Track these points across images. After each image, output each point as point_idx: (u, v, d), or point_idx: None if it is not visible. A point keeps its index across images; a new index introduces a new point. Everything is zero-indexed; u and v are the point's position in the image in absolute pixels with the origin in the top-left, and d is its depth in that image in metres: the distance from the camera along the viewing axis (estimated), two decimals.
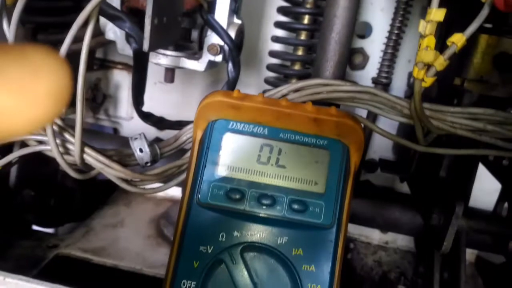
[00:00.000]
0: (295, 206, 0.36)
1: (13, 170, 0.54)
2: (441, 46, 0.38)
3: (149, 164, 0.42)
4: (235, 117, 0.37)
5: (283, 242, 0.35)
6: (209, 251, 0.35)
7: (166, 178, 0.41)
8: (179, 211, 0.37)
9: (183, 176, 0.42)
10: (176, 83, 0.72)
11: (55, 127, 0.35)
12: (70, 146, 0.36)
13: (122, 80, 0.72)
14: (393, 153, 0.65)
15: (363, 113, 0.46)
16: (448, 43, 0.34)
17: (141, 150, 0.41)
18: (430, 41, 0.33)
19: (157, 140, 0.54)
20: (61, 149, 0.36)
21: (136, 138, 0.41)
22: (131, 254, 0.62)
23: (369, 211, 0.57)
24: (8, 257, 0.57)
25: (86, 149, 0.36)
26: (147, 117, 0.51)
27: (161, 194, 0.78)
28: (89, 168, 0.38)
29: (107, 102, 0.72)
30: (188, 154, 0.43)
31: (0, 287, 0.43)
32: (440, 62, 0.33)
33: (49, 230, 0.69)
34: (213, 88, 0.72)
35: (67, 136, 0.36)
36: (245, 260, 0.35)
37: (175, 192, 0.77)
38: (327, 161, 0.37)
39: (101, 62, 0.69)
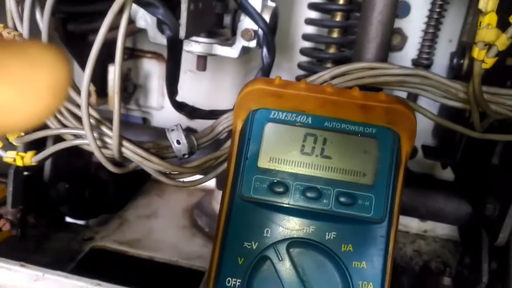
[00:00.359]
0: (343, 199, 0.34)
1: (48, 164, 0.54)
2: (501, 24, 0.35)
3: (186, 156, 0.40)
4: (277, 105, 0.34)
5: (331, 237, 0.33)
6: (254, 247, 0.33)
7: (205, 171, 0.39)
8: (220, 205, 0.35)
9: (221, 168, 0.41)
10: (207, 71, 0.70)
11: (92, 120, 0.34)
12: (107, 140, 0.35)
13: (152, 69, 0.70)
14: (434, 139, 0.62)
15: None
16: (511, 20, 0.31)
17: (178, 142, 0.39)
18: (492, 18, 0.30)
19: (188, 130, 0.52)
20: (98, 142, 0.35)
21: (173, 130, 0.40)
22: (166, 246, 0.61)
23: (410, 200, 0.55)
24: (45, 251, 0.57)
25: (124, 143, 0.35)
26: (181, 107, 0.49)
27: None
28: (127, 161, 0.37)
29: (137, 92, 0.71)
30: (226, 145, 0.41)
31: (39, 283, 0.43)
32: (503, 42, 0.30)
33: (83, 222, 0.69)
34: (245, 76, 0.69)
35: (104, 129, 0.35)
36: (291, 256, 0.33)
37: (207, 183, 0.76)
38: (376, 151, 0.34)
39: (130, 52, 0.68)
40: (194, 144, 0.41)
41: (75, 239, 0.60)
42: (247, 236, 0.34)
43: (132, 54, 0.69)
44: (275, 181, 0.34)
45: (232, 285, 0.33)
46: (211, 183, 0.75)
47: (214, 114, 0.49)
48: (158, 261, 0.59)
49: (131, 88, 0.67)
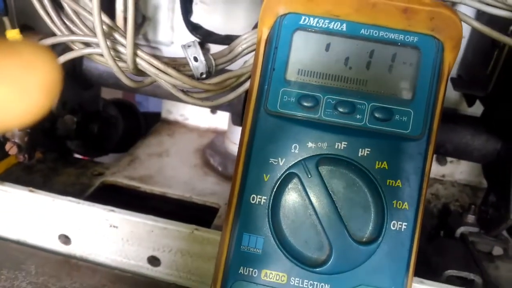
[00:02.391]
0: (379, 114, 0.31)
1: None
2: None
3: (204, 75, 0.37)
4: (308, 10, 0.31)
5: (365, 154, 0.31)
6: (281, 163, 0.31)
7: (225, 89, 0.37)
8: (244, 120, 0.33)
9: (243, 88, 0.38)
10: (218, 3, 0.66)
11: (104, 27, 0.31)
12: (121, 49, 0.32)
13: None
14: (461, 70, 0.58)
15: None
16: None
17: (195, 59, 0.36)
18: None
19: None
20: (111, 52, 0.32)
21: (189, 46, 0.36)
22: (179, 182, 0.59)
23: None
24: (54, 184, 0.55)
25: (139, 52, 0.32)
26: (196, 29, 0.46)
27: (204, 125, 0.74)
28: (142, 75, 0.34)
29: (146, 25, 0.67)
30: (248, 63, 0.38)
31: (49, 209, 0.41)
32: None
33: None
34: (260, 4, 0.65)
35: (117, 36, 0.31)
36: (321, 173, 0.30)
37: (219, 123, 0.74)
38: (417, 62, 0.31)
39: None
40: (212, 64, 0.38)
41: (84, 174, 0.58)
42: (273, 152, 0.31)
43: None
44: (304, 94, 0.31)
45: (256, 202, 0.31)
46: (223, 124, 0.73)
47: (230, 39, 0.46)
48: (171, 197, 0.57)
49: (140, 18, 0.63)
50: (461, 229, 0.50)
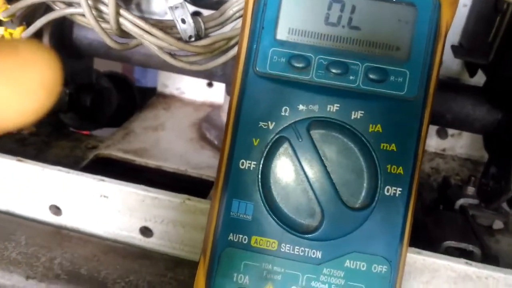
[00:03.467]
0: (373, 75, 0.29)
1: None
2: None
3: (193, 39, 0.36)
4: None
5: (358, 117, 0.29)
6: (270, 127, 0.30)
7: (215, 53, 0.35)
8: (232, 83, 0.31)
9: (233, 51, 0.36)
10: None
11: None
12: (103, 8, 0.30)
13: None
14: (462, 38, 0.56)
15: None
16: None
17: (183, 21, 0.35)
18: None
19: None
20: (94, 12, 0.30)
21: (177, 7, 0.35)
22: (175, 156, 0.58)
23: (437, 106, 0.51)
24: (47, 157, 0.55)
25: (122, 12, 0.31)
26: None
27: (200, 99, 0.73)
28: (128, 36, 0.32)
29: None
30: (239, 25, 0.36)
31: (38, 179, 0.40)
32: None
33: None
34: None
35: None
36: (312, 138, 0.29)
37: (215, 97, 0.72)
38: (412, 20, 0.30)
39: None
40: (201, 27, 0.37)
41: (78, 147, 0.57)
42: (262, 116, 0.30)
43: None
44: (295, 54, 0.30)
45: (246, 167, 0.30)
46: (220, 97, 0.71)
47: (221, 4, 0.44)
48: (167, 170, 0.56)
49: None
50: (461, 201, 0.50)
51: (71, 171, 0.40)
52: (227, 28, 0.38)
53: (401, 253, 0.30)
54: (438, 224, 0.46)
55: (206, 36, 0.37)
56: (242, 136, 0.30)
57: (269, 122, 0.30)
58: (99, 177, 0.40)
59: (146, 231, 0.40)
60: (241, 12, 0.38)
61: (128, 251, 0.40)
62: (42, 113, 0.14)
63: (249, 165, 0.30)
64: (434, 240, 0.44)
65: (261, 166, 0.30)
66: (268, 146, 0.30)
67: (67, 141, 0.58)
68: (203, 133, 0.64)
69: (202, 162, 0.58)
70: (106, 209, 0.40)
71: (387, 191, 0.29)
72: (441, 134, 0.71)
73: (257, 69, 0.30)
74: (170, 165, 0.57)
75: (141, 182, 0.55)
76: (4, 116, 0.13)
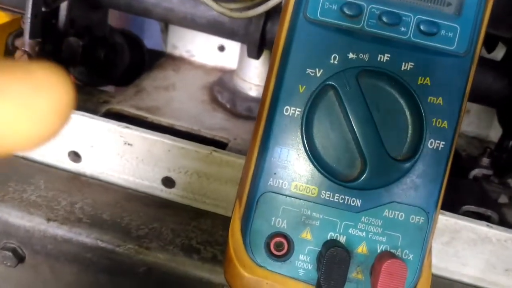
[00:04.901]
0: (424, 28, 0.29)
1: (63, 8, 0.48)
2: None
3: None
4: None
5: (408, 68, 0.29)
6: (318, 74, 0.29)
7: (254, 1, 0.34)
8: (279, 28, 0.31)
9: (273, 1, 0.35)
10: None
11: None
12: None
13: None
14: None
15: None
16: None
17: None
18: None
19: None
20: None
21: None
22: (187, 116, 0.57)
23: None
24: None
25: None
26: None
27: (211, 63, 0.72)
28: None
29: None
30: None
31: None
32: None
33: None
34: None
35: None
36: (360, 87, 0.29)
37: (226, 62, 0.71)
38: None
39: None
40: None
41: (90, 101, 0.56)
42: (311, 62, 0.29)
43: None
44: (347, 2, 0.29)
45: (290, 114, 0.29)
46: (231, 63, 0.70)
47: None
48: (179, 129, 0.55)
49: None
50: (475, 171, 0.50)
51: (96, 116, 0.39)
52: None
53: (438, 206, 0.30)
54: (456, 190, 0.47)
55: None
56: (288, 82, 0.29)
57: (317, 69, 0.29)
58: (124, 124, 0.39)
59: (168, 182, 0.40)
60: None
61: (151, 200, 0.40)
62: (52, 137, 0.14)
63: (293, 111, 0.29)
64: (452, 204, 0.44)
65: (306, 113, 0.29)
66: (315, 93, 0.29)
67: (79, 93, 0.56)
68: (215, 96, 0.63)
69: (215, 123, 0.58)
70: (128, 157, 0.39)
71: (431, 144, 0.29)
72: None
73: (308, 15, 0.29)
74: (182, 124, 0.56)
75: None
76: (13, 139, 0.13)
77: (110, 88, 0.64)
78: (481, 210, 0.42)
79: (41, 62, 0.14)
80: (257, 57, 0.53)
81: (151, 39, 0.79)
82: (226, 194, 0.39)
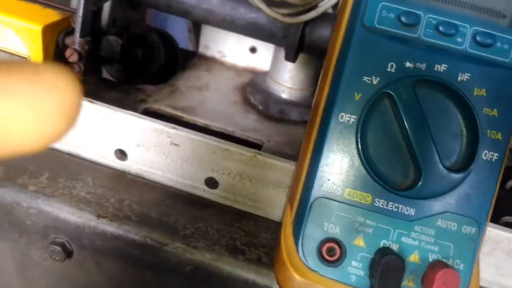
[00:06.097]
0: (480, 39, 0.29)
1: (106, 9, 0.49)
2: None
3: None
4: None
5: (465, 79, 0.29)
6: (374, 82, 0.30)
7: (305, 7, 0.35)
8: (334, 34, 0.31)
9: (324, 6, 0.36)
10: None
11: None
12: None
13: None
14: None
15: None
16: None
17: None
18: None
19: None
20: None
21: None
22: (221, 117, 0.58)
23: None
24: None
25: None
26: None
27: (242, 64, 0.72)
28: None
29: None
30: None
31: (108, 121, 0.40)
32: None
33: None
34: None
35: None
36: (417, 96, 0.29)
37: (257, 63, 0.72)
38: None
39: None
40: None
41: (127, 99, 0.57)
42: (367, 70, 0.30)
43: None
44: (405, 11, 0.30)
45: (345, 121, 0.30)
46: (262, 64, 0.71)
47: None
48: (214, 130, 0.56)
49: None
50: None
51: (144, 116, 0.39)
52: None
53: (488, 217, 0.30)
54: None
55: None
56: (344, 89, 0.30)
57: (373, 77, 0.30)
58: (171, 124, 0.39)
59: (211, 183, 0.40)
60: None
61: (194, 199, 0.40)
62: (60, 139, 0.14)
63: (349, 118, 0.30)
64: (492, 214, 0.44)
65: (361, 120, 0.30)
66: (371, 101, 0.29)
67: (116, 92, 0.57)
68: (248, 97, 0.64)
69: (248, 124, 0.58)
70: (174, 157, 0.40)
71: (485, 156, 0.29)
72: None
73: (365, 22, 0.30)
74: (217, 124, 0.56)
75: None
76: (20, 140, 0.13)
77: (145, 87, 0.65)
78: None
79: (49, 63, 0.14)
80: (294, 60, 0.54)
81: (176, 37, 0.80)
82: (267, 197, 0.40)
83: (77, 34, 0.40)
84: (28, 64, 0.14)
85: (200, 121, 0.56)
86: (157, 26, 0.75)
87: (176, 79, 0.64)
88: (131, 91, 0.58)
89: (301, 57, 0.59)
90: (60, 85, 0.14)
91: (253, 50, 0.71)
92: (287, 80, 0.63)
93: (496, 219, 0.43)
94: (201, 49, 0.73)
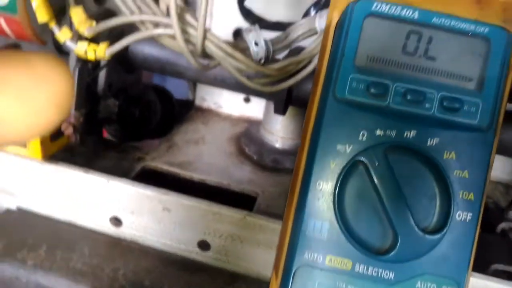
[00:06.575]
0: (448, 104, 0.31)
1: (102, 75, 0.52)
2: None
3: (263, 60, 0.38)
4: None
5: (434, 144, 0.31)
6: (348, 150, 0.31)
7: (285, 75, 0.37)
8: (308, 106, 0.33)
9: (303, 73, 0.38)
10: None
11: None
12: (191, 31, 0.32)
13: None
14: None
15: None
16: None
17: (256, 44, 0.36)
18: None
19: None
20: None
21: (250, 30, 0.36)
22: (217, 170, 0.60)
23: None
24: (96, 168, 0.56)
25: (209, 35, 0.32)
26: (248, 14, 0.46)
27: (237, 113, 0.75)
28: (207, 57, 0.34)
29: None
30: (308, 49, 0.38)
31: (103, 190, 0.42)
32: None
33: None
34: None
35: (188, 18, 0.32)
36: (389, 162, 0.30)
37: (252, 112, 0.74)
38: (487, 53, 0.31)
39: None
40: (270, 49, 0.38)
41: (125, 159, 0.59)
42: (340, 139, 0.31)
43: None
44: (373, 81, 0.31)
45: (322, 188, 0.31)
46: (256, 113, 0.73)
47: (281, 25, 0.46)
48: (210, 184, 0.57)
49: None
50: (502, 225, 0.50)
51: (136, 183, 0.41)
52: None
53: (468, 275, 0.31)
54: (484, 247, 0.47)
55: (273, 58, 0.38)
56: (320, 158, 0.31)
57: (347, 145, 0.31)
58: (163, 190, 0.41)
59: (203, 245, 0.42)
60: (305, 35, 0.40)
61: (186, 264, 0.41)
62: (51, 129, 0.14)
63: (326, 185, 0.31)
64: (481, 263, 0.45)
65: (337, 187, 0.31)
66: (345, 168, 0.31)
67: (115, 152, 0.59)
68: (242, 148, 0.66)
69: (243, 176, 0.60)
70: (166, 222, 0.41)
71: (459, 216, 0.30)
72: None
73: (337, 94, 0.31)
74: (213, 178, 0.58)
75: (187, 194, 0.56)
76: (11, 130, 0.13)
77: (143, 143, 0.67)
78: (511, 268, 0.42)
79: (41, 53, 0.14)
80: (283, 113, 0.56)
81: (176, 88, 0.83)
82: (259, 257, 0.41)
83: (72, 107, 0.42)
84: (20, 54, 0.14)
85: (196, 176, 0.58)
86: (158, 77, 0.78)
87: (174, 134, 0.67)
88: (128, 150, 0.60)
89: (291, 108, 0.61)
90: (52, 76, 0.14)
91: (247, 100, 0.73)
92: (280, 130, 0.64)
93: (485, 267, 0.43)
94: (198, 101, 0.76)
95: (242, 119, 0.74)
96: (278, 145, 0.65)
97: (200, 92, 0.75)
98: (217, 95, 0.74)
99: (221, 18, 0.67)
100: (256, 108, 0.73)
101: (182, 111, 0.74)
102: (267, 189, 0.58)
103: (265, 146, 0.65)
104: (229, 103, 0.74)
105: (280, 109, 0.55)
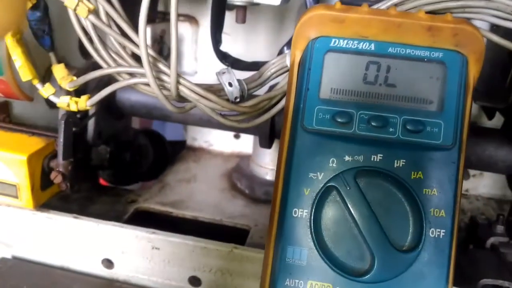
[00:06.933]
0: (411, 127, 0.32)
1: (91, 124, 0.54)
2: None
3: (238, 99, 0.40)
4: (338, 32, 0.33)
5: (400, 165, 0.32)
6: (320, 177, 0.32)
7: (259, 111, 0.39)
8: (281, 138, 0.34)
9: (276, 108, 0.40)
10: (239, 31, 0.69)
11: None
12: (164, 77, 0.34)
13: (184, 33, 0.70)
14: (477, 83, 0.60)
15: None
16: None
17: (230, 84, 0.39)
18: None
19: None
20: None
21: (224, 72, 0.39)
22: (209, 206, 0.61)
23: None
24: (90, 213, 0.57)
25: (182, 80, 0.34)
26: (225, 57, 0.48)
27: (228, 150, 0.76)
28: (183, 101, 0.36)
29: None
30: (279, 85, 0.40)
31: (94, 234, 0.43)
32: None
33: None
34: (280, 29, 0.68)
35: (161, 66, 0.34)
36: (359, 185, 0.32)
37: (242, 147, 0.76)
38: (443, 76, 0.33)
39: (163, 15, 0.67)
40: (244, 88, 0.40)
41: (118, 202, 0.60)
42: (312, 167, 0.33)
43: (164, 17, 0.68)
44: (338, 111, 0.33)
45: (298, 216, 0.32)
46: (247, 148, 0.75)
47: (256, 65, 0.48)
48: (203, 221, 0.58)
49: (166, 51, 0.66)
50: (491, 240, 0.51)
51: (125, 225, 0.42)
52: (265, 88, 0.42)
53: None
54: (472, 263, 0.48)
55: (249, 96, 0.40)
56: (293, 186, 0.33)
57: (318, 172, 0.32)
58: (151, 230, 0.42)
59: (194, 281, 0.42)
60: (278, 73, 0.42)
61: None
62: (6, 31, 0.14)
63: (301, 213, 0.32)
64: (470, 278, 0.45)
65: (312, 213, 0.32)
66: (319, 195, 0.32)
67: (108, 196, 0.61)
68: (234, 183, 0.67)
69: (235, 211, 0.61)
70: (156, 260, 0.42)
71: (432, 233, 0.31)
72: (464, 175, 0.73)
73: (305, 125, 0.33)
74: (205, 215, 0.59)
75: (180, 233, 0.58)
76: None
77: (136, 186, 0.68)
78: (499, 282, 0.42)
79: None
80: (269, 147, 0.57)
81: (174, 130, 0.85)
82: None
83: (59, 157, 0.44)
84: None
85: (189, 214, 0.59)
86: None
87: (166, 175, 0.68)
88: (121, 193, 0.62)
89: (277, 141, 0.63)
90: None
91: (237, 136, 0.75)
92: (269, 163, 0.66)
93: (474, 283, 0.43)
94: (189, 141, 0.78)
95: (233, 155, 0.76)
96: (268, 177, 0.66)
97: (191, 132, 0.77)
98: (207, 134, 0.76)
99: (206, 62, 0.71)
100: (246, 143, 0.75)
101: (175, 152, 0.76)
102: (260, 221, 0.59)
103: (256, 180, 0.66)
104: (219, 141, 0.76)
105: (265, 143, 0.57)
